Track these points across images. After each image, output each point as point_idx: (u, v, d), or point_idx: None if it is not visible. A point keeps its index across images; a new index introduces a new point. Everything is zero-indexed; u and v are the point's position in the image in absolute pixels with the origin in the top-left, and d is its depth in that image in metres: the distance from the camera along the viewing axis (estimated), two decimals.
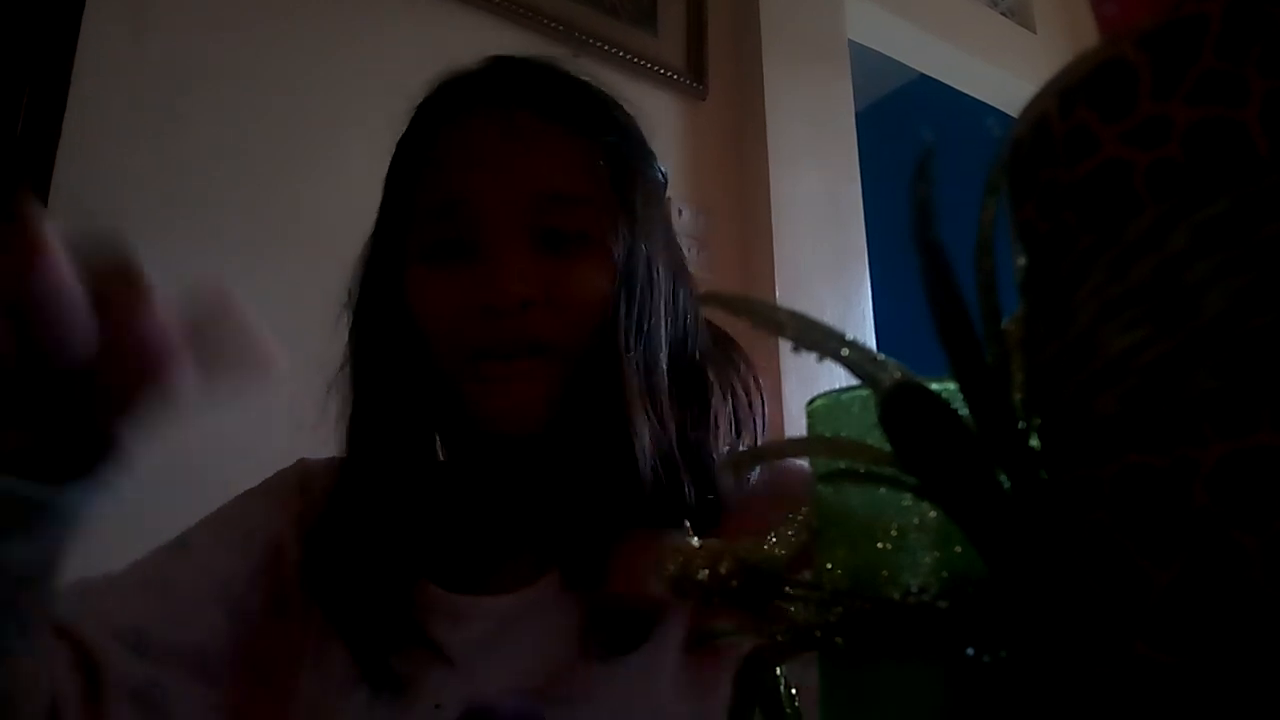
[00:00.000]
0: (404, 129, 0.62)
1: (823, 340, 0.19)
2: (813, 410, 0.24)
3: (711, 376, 0.60)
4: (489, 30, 1.35)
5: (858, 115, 1.77)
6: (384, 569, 0.55)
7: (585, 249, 0.55)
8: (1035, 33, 2.18)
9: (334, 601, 0.55)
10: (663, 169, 0.63)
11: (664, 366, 0.56)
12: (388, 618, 0.53)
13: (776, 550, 0.25)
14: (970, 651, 0.18)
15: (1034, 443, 0.17)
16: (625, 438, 0.52)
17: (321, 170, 1.17)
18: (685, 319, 0.59)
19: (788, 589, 0.23)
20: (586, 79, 0.61)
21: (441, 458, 0.60)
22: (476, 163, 0.56)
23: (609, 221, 0.55)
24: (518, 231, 0.54)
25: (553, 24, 1.39)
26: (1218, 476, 0.14)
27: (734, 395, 0.61)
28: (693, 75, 1.56)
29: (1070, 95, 0.16)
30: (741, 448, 0.59)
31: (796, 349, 0.20)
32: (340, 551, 0.55)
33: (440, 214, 0.56)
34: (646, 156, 0.61)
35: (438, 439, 0.60)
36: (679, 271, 0.61)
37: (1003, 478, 0.17)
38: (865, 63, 1.88)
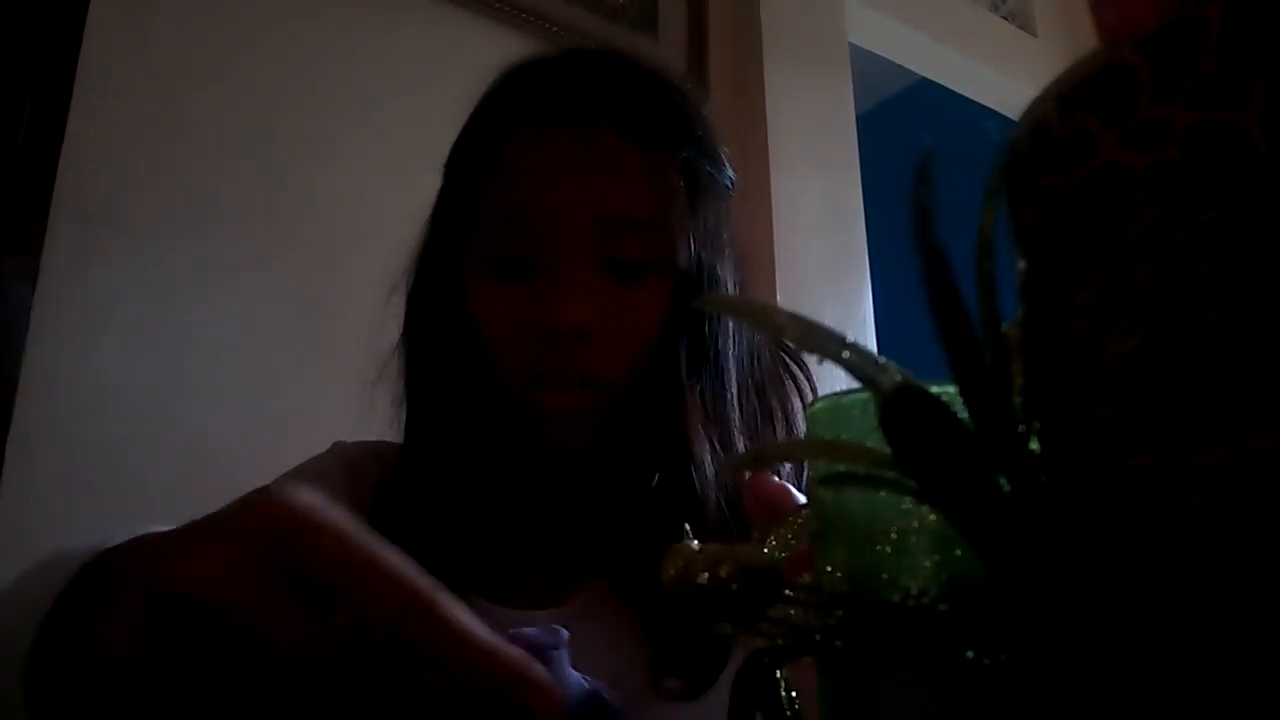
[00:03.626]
0: (469, 119, 0.59)
1: (823, 343, 0.19)
2: (813, 413, 0.24)
3: (775, 402, 0.59)
4: (491, 34, 1.35)
5: (858, 118, 1.77)
6: (443, 576, 0.54)
7: (650, 276, 0.53)
8: (1036, 36, 2.18)
9: None
10: (731, 173, 0.61)
11: (733, 393, 0.55)
12: None
13: (776, 553, 0.25)
14: (970, 655, 0.18)
15: (1034, 446, 0.17)
16: (685, 469, 0.52)
17: (325, 173, 1.17)
18: (750, 338, 0.58)
19: (787, 592, 0.23)
20: (664, 77, 0.59)
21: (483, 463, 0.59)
22: (548, 177, 0.53)
23: (678, 244, 0.53)
24: (584, 255, 0.52)
25: (554, 28, 1.40)
26: (1217, 480, 0.14)
27: (796, 418, 0.59)
28: (694, 79, 1.56)
29: (1069, 99, 0.16)
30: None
31: (797, 351, 0.20)
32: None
33: (505, 226, 0.54)
34: (719, 166, 0.59)
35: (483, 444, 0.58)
36: (743, 287, 0.59)
37: (1003, 481, 0.17)
38: (866, 66, 1.88)
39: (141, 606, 0.23)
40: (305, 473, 0.59)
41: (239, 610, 0.23)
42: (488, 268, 0.54)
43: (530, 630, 0.28)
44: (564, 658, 0.29)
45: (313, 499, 0.25)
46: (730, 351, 0.56)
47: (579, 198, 0.53)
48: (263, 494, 0.25)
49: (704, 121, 0.59)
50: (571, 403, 0.52)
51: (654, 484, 0.52)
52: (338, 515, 0.25)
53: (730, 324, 0.56)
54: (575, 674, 0.29)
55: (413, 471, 0.57)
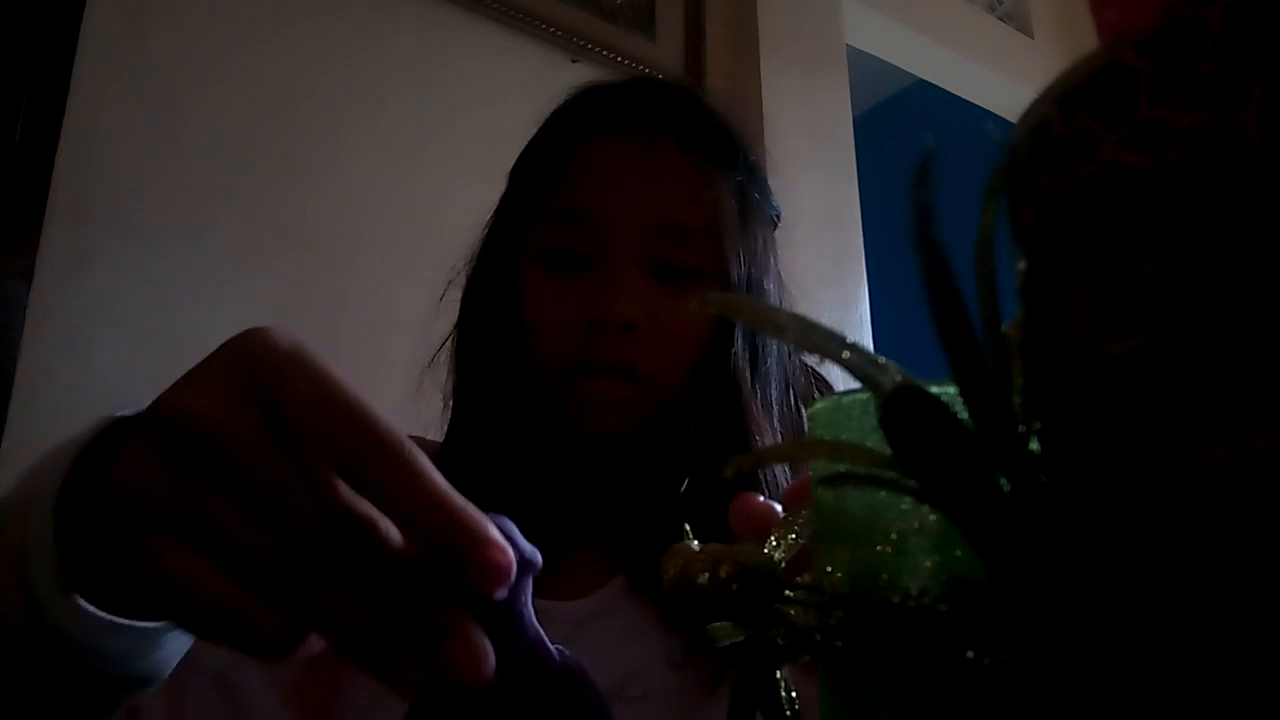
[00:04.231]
0: (539, 128, 0.63)
1: (824, 343, 0.19)
2: (813, 413, 0.24)
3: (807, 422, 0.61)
4: (488, 35, 1.35)
5: (855, 120, 1.77)
6: None
7: (699, 284, 0.56)
8: (1033, 38, 2.19)
9: None
10: (777, 205, 0.64)
11: (776, 409, 0.59)
12: None
13: (776, 554, 0.25)
14: (970, 655, 0.18)
15: (1034, 446, 0.17)
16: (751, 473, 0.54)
17: (321, 172, 1.17)
18: (789, 361, 0.61)
19: (787, 592, 0.23)
20: (724, 112, 0.63)
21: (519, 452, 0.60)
22: (611, 180, 0.57)
23: (729, 257, 0.56)
24: (637, 256, 0.55)
25: (551, 29, 1.40)
26: (1217, 480, 0.14)
27: None
28: (691, 80, 1.56)
29: (1069, 100, 0.16)
30: None
31: (798, 351, 0.20)
32: None
33: (565, 222, 0.57)
34: (767, 195, 0.63)
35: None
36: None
37: (1003, 481, 0.17)
38: (863, 67, 1.88)
39: (143, 440, 0.25)
40: None
41: (217, 438, 0.24)
42: (543, 261, 0.57)
43: (516, 531, 0.27)
44: (529, 585, 0.29)
45: (295, 338, 0.26)
46: (775, 370, 0.59)
47: (638, 202, 0.56)
48: (249, 331, 0.26)
49: (756, 153, 0.62)
50: (612, 391, 0.54)
51: (710, 484, 0.54)
52: (317, 356, 0.25)
53: (775, 343, 0.59)
54: (534, 624, 0.29)
55: (455, 458, 0.59)
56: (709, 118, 0.61)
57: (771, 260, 0.62)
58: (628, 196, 0.56)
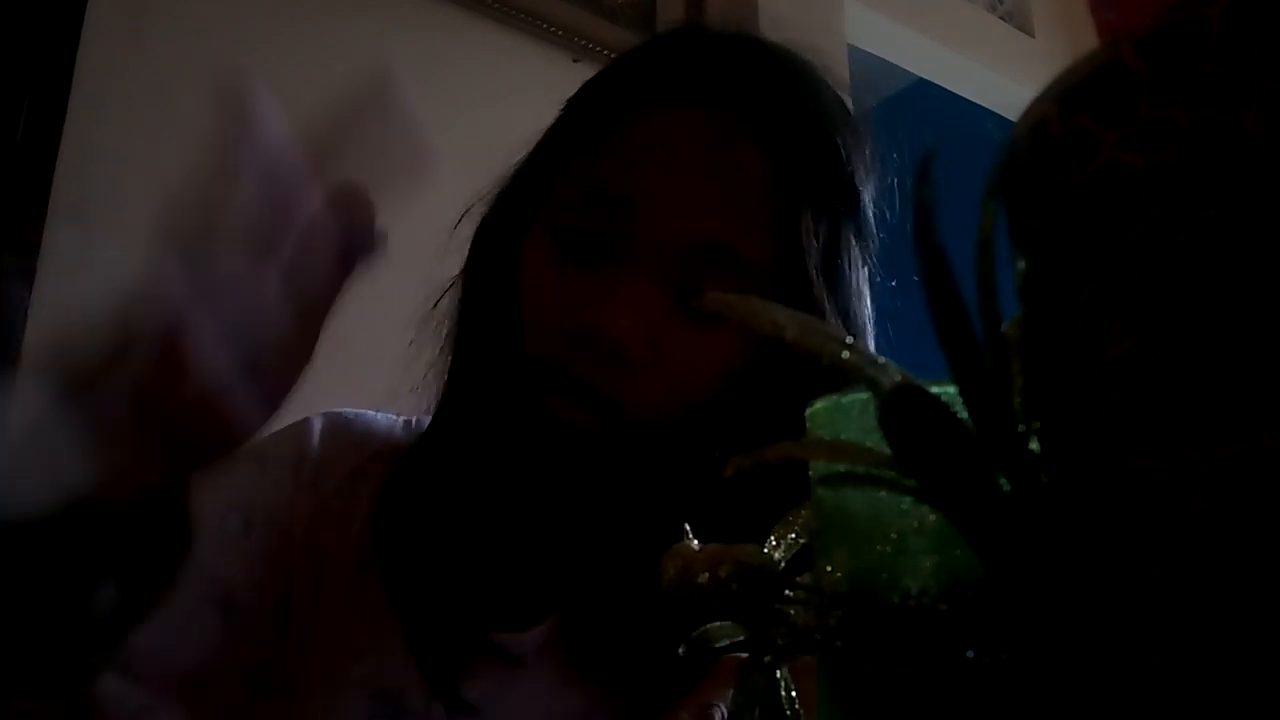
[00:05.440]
0: (615, 63, 0.53)
1: (823, 342, 0.19)
2: (812, 414, 0.24)
3: None
4: (488, 35, 1.35)
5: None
6: (463, 581, 0.49)
7: (728, 324, 0.45)
8: (1034, 37, 2.19)
9: (411, 608, 0.49)
10: (875, 233, 0.52)
11: None
12: (465, 632, 0.48)
13: (776, 554, 0.25)
14: (970, 654, 0.18)
15: (1034, 446, 0.17)
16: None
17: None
18: None
19: (787, 592, 0.23)
20: (848, 110, 0.51)
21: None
22: (665, 168, 0.46)
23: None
24: (666, 270, 0.46)
25: (551, 28, 1.40)
26: (1217, 480, 0.14)
27: None
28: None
29: (1069, 99, 0.16)
30: None
31: (797, 351, 0.20)
32: (424, 556, 0.49)
33: (593, 198, 0.47)
34: (868, 230, 0.51)
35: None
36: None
37: (1003, 481, 0.17)
38: (864, 66, 1.88)
39: None
40: (256, 454, 0.55)
41: None
42: (554, 234, 0.48)
43: None
44: None
45: None
46: None
47: (688, 206, 0.46)
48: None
49: (872, 173, 0.51)
50: (578, 420, 0.46)
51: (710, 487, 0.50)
52: None
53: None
54: None
55: (440, 437, 0.53)
56: (824, 120, 0.49)
57: (861, 321, 0.50)
58: (680, 197, 0.45)
